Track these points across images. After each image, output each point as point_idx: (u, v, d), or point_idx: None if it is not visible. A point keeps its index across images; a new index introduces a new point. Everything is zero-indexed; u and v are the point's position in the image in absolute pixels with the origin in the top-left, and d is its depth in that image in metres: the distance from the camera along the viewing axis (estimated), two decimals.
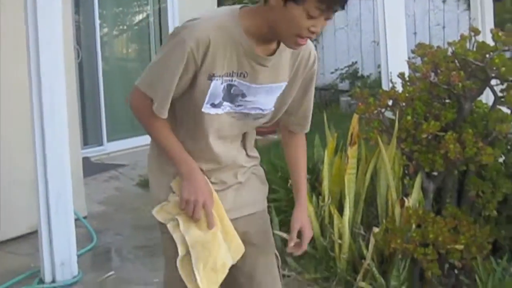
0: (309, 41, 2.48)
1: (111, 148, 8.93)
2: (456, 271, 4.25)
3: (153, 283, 4.59)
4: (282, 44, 2.46)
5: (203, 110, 2.45)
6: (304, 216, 2.80)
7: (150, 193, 2.71)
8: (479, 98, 4.47)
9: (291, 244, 2.71)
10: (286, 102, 2.64)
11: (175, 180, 2.56)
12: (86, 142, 8.55)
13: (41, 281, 4.61)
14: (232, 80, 2.44)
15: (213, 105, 2.45)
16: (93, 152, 8.59)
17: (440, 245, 3.99)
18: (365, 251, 4.24)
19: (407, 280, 4.16)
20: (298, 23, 2.28)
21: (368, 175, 4.47)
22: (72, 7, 7.03)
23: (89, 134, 8.90)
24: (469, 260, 4.08)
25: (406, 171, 4.41)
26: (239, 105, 2.50)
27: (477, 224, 4.17)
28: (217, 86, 2.42)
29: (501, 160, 4.41)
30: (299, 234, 2.75)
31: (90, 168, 7.56)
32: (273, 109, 2.60)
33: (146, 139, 8.15)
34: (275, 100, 2.59)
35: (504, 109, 4.29)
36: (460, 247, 4.00)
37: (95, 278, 4.76)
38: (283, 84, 2.56)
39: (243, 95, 2.49)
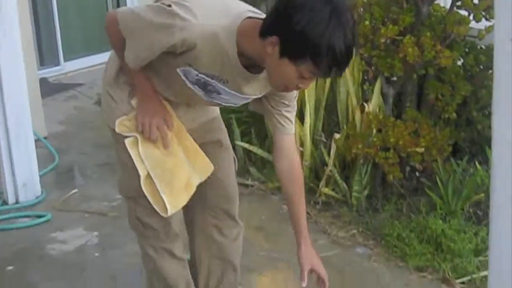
0: None
1: (68, 67, 8.79)
2: (417, 174, 4.32)
3: (117, 199, 4.59)
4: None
5: (178, 70, 2.42)
6: (313, 255, 2.71)
7: (105, 105, 2.68)
8: (436, 2, 4.45)
9: (304, 284, 2.61)
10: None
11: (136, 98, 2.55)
12: (42, 63, 8.40)
13: (5, 203, 4.59)
14: (210, 81, 2.40)
15: (186, 77, 2.43)
16: (50, 73, 8.45)
17: (401, 148, 4.03)
18: (327, 158, 4.27)
19: (369, 184, 4.22)
20: (289, 79, 2.22)
21: (327, 82, 4.47)
22: None
23: (45, 55, 8.74)
24: (430, 162, 4.14)
25: (366, 77, 4.42)
26: (211, 97, 2.49)
27: (437, 127, 4.21)
28: (192, 72, 2.39)
29: (459, 63, 4.43)
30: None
31: (48, 88, 7.46)
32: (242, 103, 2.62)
33: (103, 57, 8.01)
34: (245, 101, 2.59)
35: (462, 12, 4.28)
36: (420, 150, 4.05)
37: (58, 197, 4.74)
38: (254, 97, 2.55)
39: (218, 93, 2.46)
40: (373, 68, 4.30)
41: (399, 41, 4.16)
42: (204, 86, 2.43)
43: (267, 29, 2.18)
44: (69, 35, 8.96)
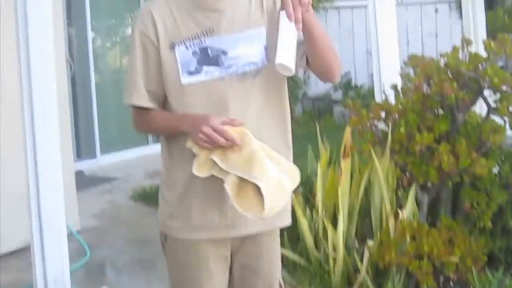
0: None
1: (104, 161, 8.91)
2: (451, 284, 4.23)
3: None
4: None
5: (182, 82, 2.40)
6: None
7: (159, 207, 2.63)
8: (472, 109, 4.46)
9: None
10: None
11: (188, 140, 2.40)
12: (79, 155, 8.53)
13: None
14: (202, 42, 2.41)
15: (190, 73, 2.40)
16: (86, 165, 8.56)
17: (435, 257, 3.97)
18: (359, 264, 4.21)
19: None
20: None
21: (362, 188, 4.45)
22: (64, 19, 7.01)
23: (82, 147, 8.87)
24: (465, 272, 4.06)
25: (400, 183, 4.39)
26: (229, 66, 2.42)
27: (472, 236, 4.16)
28: (183, 52, 2.40)
29: (495, 170, 4.40)
30: None
31: (83, 181, 7.54)
32: (266, 62, 2.45)
33: (139, 152, 8.16)
34: (264, 50, 2.46)
35: (497, 120, 4.28)
36: (455, 259, 3.99)
37: None
38: (262, 29, 2.46)
39: (224, 52, 2.42)
40: (407, 174, 4.29)
41: (434, 148, 4.15)
42: (207, 56, 2.39)
43: None
44: (106, 128, 9.11)
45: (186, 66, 2.40)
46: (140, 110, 2.50)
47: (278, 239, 2.69)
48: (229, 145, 2.27)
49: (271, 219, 2.40)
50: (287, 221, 2.64)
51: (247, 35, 2.44)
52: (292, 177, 2.40)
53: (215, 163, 2.30)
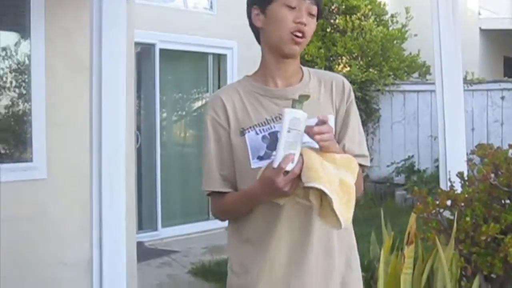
0: (336, 73, 2.65)
1: (165, 233, 8.98)
2: None
3: None
4: (305, 77, 2.56)
5: (252, 166, 2.43)
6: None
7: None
8: None
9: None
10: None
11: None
12: (140, 227, 8.60)
13: None
14: (271, 128, 2.45)
15: (261, 158, 2.43)
16: (147, 237, 8.63)
17: None
18: None
19: None
20: (282, 18, 2.43)
21: (424, 276, 4.39)
22: (134, 92, 7.19)
23: (143, 219, 8.96)
24: None
25: (464, 273, 4.33)
26: None
27: None
28: (253, 137, 2.44)
29: None
30: None
31: (144, 253, 7.59)
32: None
33: (200, 226, 8.20)
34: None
35: None
36: None
37: None
38: (330, 117, 2.50)
39: None
40: (472, 265, 4.22)
41: (500, 239, 4.10)
42: (275, 140, 2.34)
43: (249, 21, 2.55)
44: (168, 201, 9.20)
45: (256, 151, 2.44)
46: (217, 197, 2.54)
47: None
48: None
49: None
50: None
51: (314, 122, 2.41)
52: (350, 169, 2.38)
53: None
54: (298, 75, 2.58)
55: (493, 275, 4.27)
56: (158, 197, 9.03)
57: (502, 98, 12.02)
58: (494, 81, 12.37)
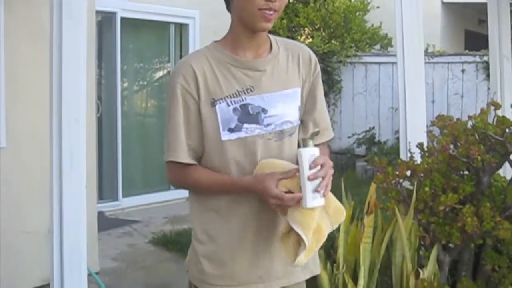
0: (302, 44, 2.65)
1: (126, 203, 8.95)
2: None
3: None
4: (274, 48, 2.54)
5: (222, 138, 2.43)
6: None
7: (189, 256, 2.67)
8: (497, 172, 4.46)
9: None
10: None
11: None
12: (101, 196, 8.56)
13: None
14: (243, 100, 2.44)
15: (231, 130, 2.43)
16: (107, 207, 8.61)
17: None
18: None
19: None
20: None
21: (383, 245, 4.44)
22: (95, 61, 7.12)
23: (104, 188, 8.92)
24: None
25: (422, 242, 4.38)
26: (268, 124, 2.47)
27: None
28: (224, 109, 2.43)
29: None
30: None
31: (104, 222, 7.57)
32: (299, 122, 2.57)
33: (161, 196, 8.18)
34: (298, 110, 2.56)
35: None
36: None
37: None
38: (297, 90, 2.55)
39: (264, 110, 2.46)
40: (430, 234, 4.27)
41: (458, 209, 4.15)
42: (247, 113, 2.42)
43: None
44: (129, 171, 9.16)
45: (226, 123, 2.43)
46: (177, 165, 2.50)
47: None
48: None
49: (302, 271, 2.54)
50: (317, 271, 2.72)
51: (285, 94, 2.51)
52: (334, 219, 2.44)
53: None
54: (266, 44, 2.57)
55: (451, 245, 4.32)
56: (119, 167, 8.99)
57: (463, 71, 12.12)
58: (455, 54, 12.46)
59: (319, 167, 2.29)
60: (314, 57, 2.65)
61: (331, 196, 2.43)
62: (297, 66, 2.59)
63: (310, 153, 2.30)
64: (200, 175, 2.48)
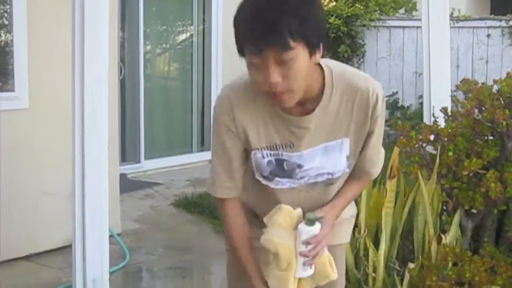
0: (369, 82, 2.33)
1: (147, 166, 8.97)
2: None
3: None
4: (325, 96, 2.26)
5: (256, 177, 2.39)
6: (331, 212, 2.43)
7: None
8: None
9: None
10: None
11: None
12: (123, 159, 8.59)
13: None
14: (279, 155, 2.32)
15: (264, 177, 2.37)
16: (130, 169, 8.63)
17: (477, 285, 3.92)
18: (399, 286, 4.18)
19: None
20: (253, 78, 2.14)
21: (406, 210, 4.42)
22: (118, 24, 7.09)
23: (127, 151, 8.94)
24: None
25: (445, 208, 4.36)
26: (301, 177, 2.36)
27: None
28: (259, 159, 2.33)
29: None
30: None
31: (126, 185, 7.59)
32: (347, 169, 2.41)
33: (183, 159, 8.21)
34: (345, 159, 2.38)
35: None
36: None
37: None
38: (344, 141, 2.34)
39: (300, 166, 2.33)
40: (453, 199, 4.25)
41: (482, 175, 4.11)
42: (281, 168, 2.32)
43: None
44: (151, 133, 9.18)
45: (259, 169, 2.36)
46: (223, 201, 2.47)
47: (342, 253, 2.79)
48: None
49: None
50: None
51: (326, 147, 2.33)
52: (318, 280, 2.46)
53: None
54: (315, 90, 2.26)
55: (473, 210, 4.29)
56: (141, 130, 9.00)
57: (488, 36, 11.99)
58: (481, 19, 12.31)
59: (313, 245, 2.28)
60: (373, 100, 2.33)
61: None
62: (349, 115, 2.33)
63: (309, 232, 2.30)
64: (240, 249, 2.48)
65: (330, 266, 2.41)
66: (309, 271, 2.36)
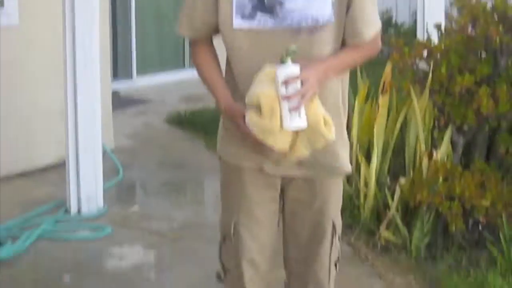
0: None
1: (140, 82, 8.90)
2: (480, 227, 4.24)
3: (176, 220, 4.63)
4: None
5: (234, 26, 2.30)
6: (320, 64, 2.31)
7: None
8: None
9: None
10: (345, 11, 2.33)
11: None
12: (115, 75, 8.51)
13: (67, 212, 4.66)
14: None
15: (244, 16, 2.29)
16: (122, 85, 8.56)
17: (466, 200, 3.97)
18: (390, 201, 4.23)
19: (430, 232, 4.16)
20: None
21: (398, 125, 4.44)
22: None
23: (119, 67, 8.87)
24: (494, 217, 4.05)
25: (437, 124, 4.38)
26: (283, 18, 2.28)
27: (504, 181, 4.14)
28: None
29: None
30: None
31: (119, 101, 7.54)
32: (333, 20, 2.30)
33: (176, 75, 8.15)
34: (330, 5, 2.29)
35: None
36: (486, 203, 3.98)
37: (119, 212, 4.80)
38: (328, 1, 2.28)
39: (280, 3, 2.27)
40: (445, 115, 4.26)
41: (474, 91, 4.12)
42: (261, 3, 2.27)
43: None
44: (143, 49, 9.09)
45: (240, 9, 2.29)
46: (194, 43, 2.48)
47: (339, 181, 2.65)
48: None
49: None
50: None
51: None
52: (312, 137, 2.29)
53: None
54: None
55: (465, 127, 4.31)
56: (133, 46, 8.91)
57: None
58: None
59: (297, 85, 2.16)
60: None
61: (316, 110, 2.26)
62: None
63: (287, 72, 2.17)
64: (204, 64, 2.47)
65: (326, 125, 2.24)
66: (299, 121, 2.18)
